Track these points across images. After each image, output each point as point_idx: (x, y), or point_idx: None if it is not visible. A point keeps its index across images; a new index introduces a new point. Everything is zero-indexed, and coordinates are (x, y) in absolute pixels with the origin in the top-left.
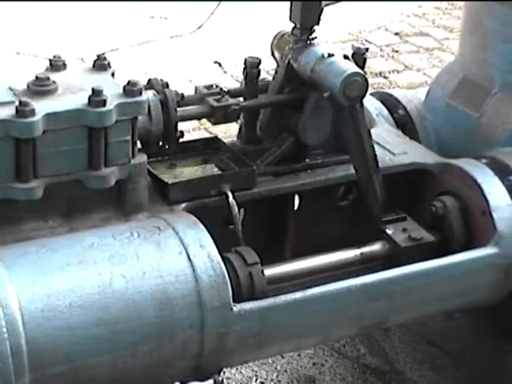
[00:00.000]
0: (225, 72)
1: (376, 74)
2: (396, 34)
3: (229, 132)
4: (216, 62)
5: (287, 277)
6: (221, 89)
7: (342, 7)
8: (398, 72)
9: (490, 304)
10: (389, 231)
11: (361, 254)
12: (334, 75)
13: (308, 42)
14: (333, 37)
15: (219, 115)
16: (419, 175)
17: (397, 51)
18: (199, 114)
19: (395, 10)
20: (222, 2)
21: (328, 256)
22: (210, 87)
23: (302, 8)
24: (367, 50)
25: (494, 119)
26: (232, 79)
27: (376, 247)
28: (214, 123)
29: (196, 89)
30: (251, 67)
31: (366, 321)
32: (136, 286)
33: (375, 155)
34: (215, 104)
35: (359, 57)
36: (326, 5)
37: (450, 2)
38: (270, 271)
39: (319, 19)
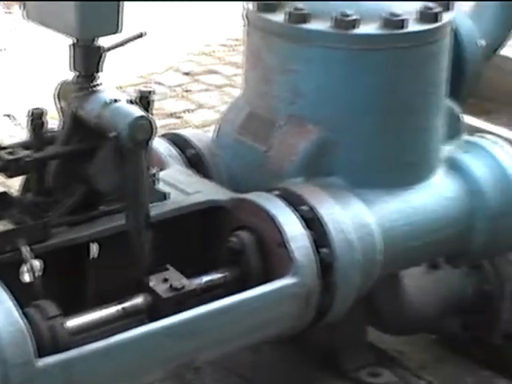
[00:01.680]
0: (17, 124)
1: (169, 115)
2: (186, 73)
3: None
4: (6, 115)
5: (91, 326)
6: None
7: (131, 51)
8: (190, 111)
9: (293, 333)
10: (151, 283)
11: (122, 308)
12: (119, 120)
13: (92, 89)
14: (123, 81)
15: (13, 168)
16: (214, 212)
17: (188, 91)
18: None
19: (183, 50)
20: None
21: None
22: None
23: (82, 56)
24: (150, 92)
25: (281, 151)
26: (24, 131)
27: (138, 300)
28: (10, 176)
29: None
30: (36, 118)
31: (174, 362)
32: None
33: (148, 207)
34: (8, 157)
35: (145, 100)
36: (109, 49)
37: (236, 38)
38: (73, 322)
39: (100, 66)
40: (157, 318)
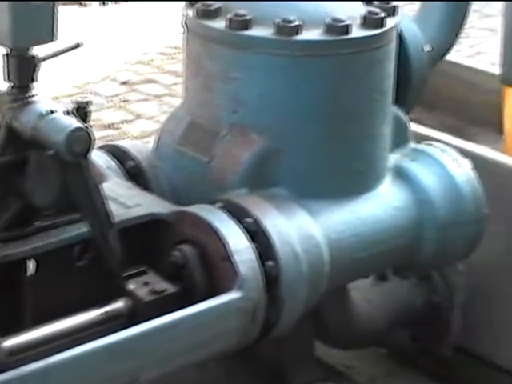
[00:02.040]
0: None
1: (106, 126)
2: (123, 83)
3: None
4: None
5: (31, 346)
6: None
7: (66, 60)
8: (129, 122)
9: (240, 349)
10: (130, 287)
11: (105, 312)
12: (56, 132)
13: (27, 100)
14: (58, 92)
15: None
16: (156, 226)
17: (126, 101)
18: None
19: (119, 58)
20: None
21: (70, 319)
22: None
23: (16, 66)
24: (88, 103)
25: (224, 162)
26: None
27: (119, 305)
28: None
29: None
30: None
31: (115, 382)
32: None
33: (107, 211)
34: None
35: (82, 111)
36: (44, 59)
37: (175, 46)
38: (10, 342)
39: (35, 76)
40: (137, 322)
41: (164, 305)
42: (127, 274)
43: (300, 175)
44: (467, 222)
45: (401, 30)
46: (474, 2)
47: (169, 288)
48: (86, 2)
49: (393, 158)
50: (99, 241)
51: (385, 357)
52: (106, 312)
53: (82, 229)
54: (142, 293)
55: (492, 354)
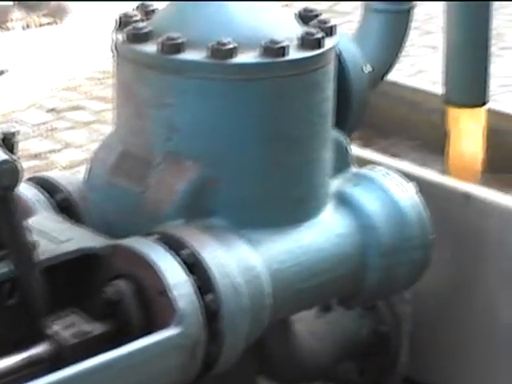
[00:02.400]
0: None
1: (33, 156)
2: (50, 110)
3: None
4: None
5: None
6: None
7: None
8: (57, 151)
9: None
10: (53, 329)
11: (27, 357)
12: None
13: None
14: None
15: None
16: (89, 261)
17: (53, 129)
18: None
19: (45, 85)
20: None
21: None
22: None
23: None
24: (14, 134)
25: (158, 192)
26: None
27: (40, 349)
28: None
29: None
30: None
31: None
32: None
33: (31, 249)
34: None
35: (8, 141)
36: None
37: (103, 71)
38: None
39: None
40: (62, 366)
41: (91, 347)
42: (52, 315)
43: (238, 204)
44: (413, 248)
45: (340, 51)
46: (413, 19)
47: (96, 329)
48: (9, 26)
49: (335, 184)
50: (21, 281)
51: None
52: (29, 356)
53: (6, 268)
54: (66, 335)
55: (440, 383)
